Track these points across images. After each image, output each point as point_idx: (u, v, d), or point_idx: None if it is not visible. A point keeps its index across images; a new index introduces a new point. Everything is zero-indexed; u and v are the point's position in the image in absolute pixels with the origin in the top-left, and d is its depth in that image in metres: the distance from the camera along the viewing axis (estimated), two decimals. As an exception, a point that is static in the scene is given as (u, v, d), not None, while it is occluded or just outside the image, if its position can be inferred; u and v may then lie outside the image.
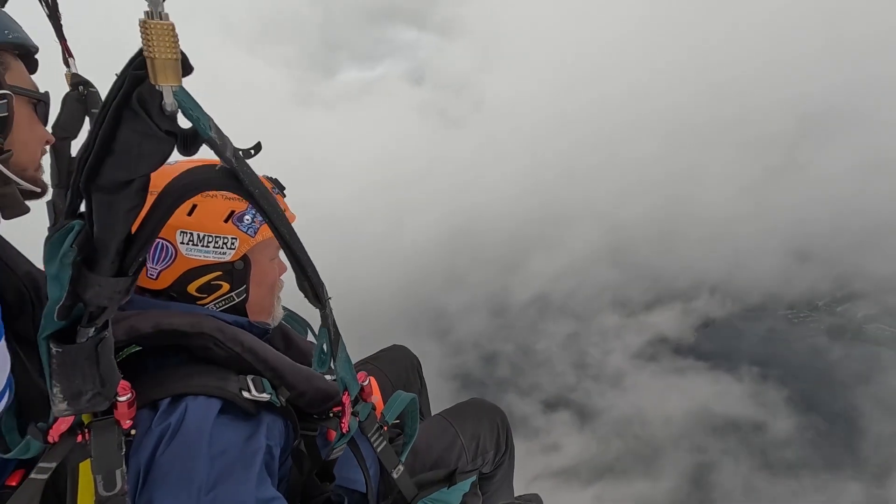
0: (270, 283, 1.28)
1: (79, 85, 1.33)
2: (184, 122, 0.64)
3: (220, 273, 1.18)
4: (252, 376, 1.08)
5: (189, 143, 0.66)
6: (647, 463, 9.72)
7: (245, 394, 1.04)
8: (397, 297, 12.24)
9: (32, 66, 1.12)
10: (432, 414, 2.04)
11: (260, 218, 1.17)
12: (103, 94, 0.96)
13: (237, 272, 1.19)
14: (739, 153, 13.55)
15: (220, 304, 1.20)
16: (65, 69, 1.32)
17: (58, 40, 1.25)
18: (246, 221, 1.18)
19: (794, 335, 11.07)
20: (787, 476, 8.88)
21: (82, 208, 0.70)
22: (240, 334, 1.11)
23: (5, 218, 1.05)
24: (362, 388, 1.22)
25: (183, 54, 0.60)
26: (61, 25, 1.26)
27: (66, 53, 1.31)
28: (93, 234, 0.70)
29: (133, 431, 0.94)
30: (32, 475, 0.87)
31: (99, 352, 0.79)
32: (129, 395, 0.89)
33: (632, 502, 9.36)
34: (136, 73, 0.59)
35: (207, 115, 0.67)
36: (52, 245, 0.69)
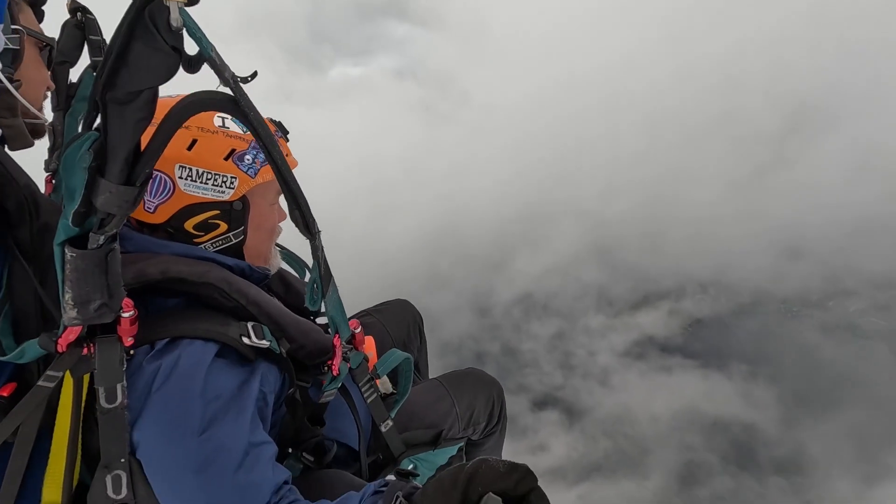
0: (269, 228, 1.30)
1: (77, 11, 1.34)
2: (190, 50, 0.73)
3: (218, 212, 1.19)
4: (252, 323, 1.10)
5: (192, 61, 0.76)
6: (635, 462, 9.51)
7: (245, 339, 1.07)
8: (380, 297, 12.05)
9: (40, 15, 1.25)
10: (430, 374, 2.10)
11: (261, 159, 1.19)
12: (102, 22, 1.20)
13: (235, 212, 1.20)
14: (727, 150, 13.37)
15: (217, 244, 1.22)
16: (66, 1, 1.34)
17: None
18: (247, 161, 1.19)
19: (784, 331, 10.88)
20: (777, 475, 8.68)
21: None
22: (245, 286, 1.14)
23: (11, 149, 1.10)
24: (354, 336, 1.22)
25: None
26: None
27: None
28: (106, 144, 0.76)
29: (132, 352, 0.97)
30: (41, 383, 0.92)
31: (108, 261, 0.85)
32: (132, 312, 0.94)
33: (620, 501, 9.15)
34: None
35: (209, 40, 0.73)
36: (70, 151, 0.76)
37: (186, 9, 0.71)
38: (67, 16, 1.34)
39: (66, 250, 0.85)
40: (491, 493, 0.77)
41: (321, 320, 1.50)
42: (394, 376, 1.54)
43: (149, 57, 0.73)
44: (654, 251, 12.43)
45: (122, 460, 0.96)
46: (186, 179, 1.15)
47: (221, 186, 1.18)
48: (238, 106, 0.85)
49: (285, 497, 1.04)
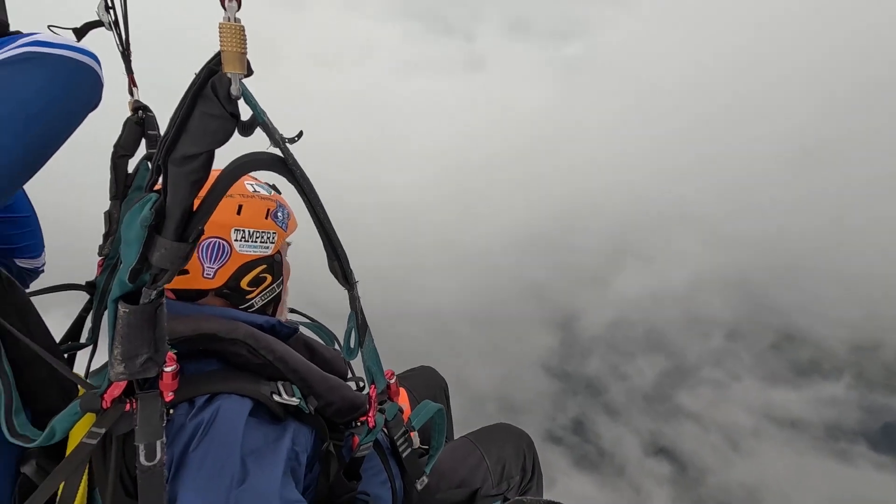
0: (288, 277, 1.45)
1: (138, 110, 1.45)
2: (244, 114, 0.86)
3: (265, 266, 1.35)
4: (283, 382, 1.18)
5: (247, 126, 0.87)
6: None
7: (276, 397, 1.14)
8: (458, 302, 10.60)
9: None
10: (453, 431, 2.17)
11: (286, 214, 1.39)
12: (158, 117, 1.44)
13: (276, 264, 1.37)
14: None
15: (266, 296, 1.37)
16: (128, 98, 1.46)
17: (126, 73, 1.43)
18: (279, 217, 1.37)
19: None
20: None
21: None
22: (272, 343, 1.22)
23: None
24: (389, 386, 1.30)
25: (247, 60, 0.80)
26: (131, 62, 1.42)
27: (132, 84, 1.46)
28: (165, 204, 0.87)
29: (171, 411, 1.04)
30: (85, 440, 0.98)
31: (157, 315, 0.94)
32: (174, 367, 1.02)
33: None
34: (212, 66, 0.80)
35: (262, 108, 0.85)
36: (133, 212, 0.86)
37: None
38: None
39: (120, 307, 0.91)
40: None
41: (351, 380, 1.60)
42: (425, 433, 1.56)
43: (208, 123, 0.82)
44: (797, 288, 9.88)
45: None
46: (241, 241, 1.29)
47: (266, 242, 1.34)
48: (286, 164, 0.93)
49: None
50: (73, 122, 1.00)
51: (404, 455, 1.34)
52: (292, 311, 1.81)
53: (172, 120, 0.83)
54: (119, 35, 1.36)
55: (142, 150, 1.51)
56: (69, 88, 0.96)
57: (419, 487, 1.38)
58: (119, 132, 1.45)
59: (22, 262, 1.47)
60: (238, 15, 0.75)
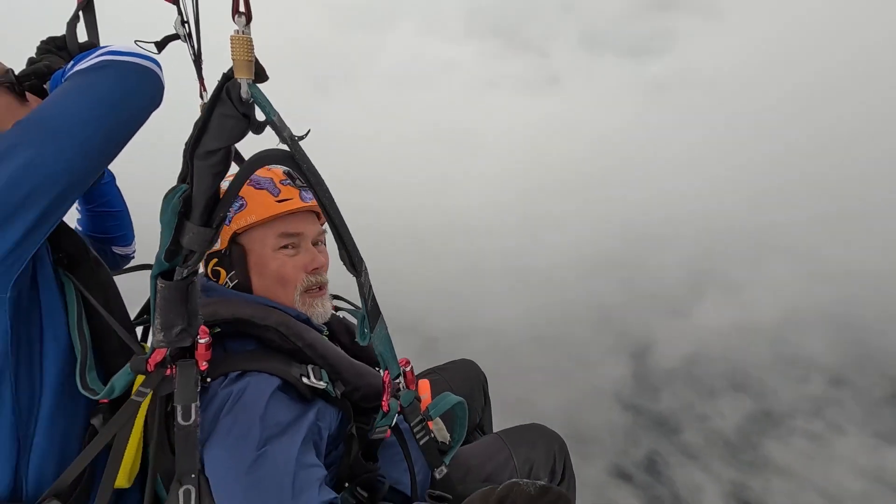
0: (274, 275, 1.45)
1: None
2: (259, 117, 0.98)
3: (216, 260, 1.49)
4: (312, 366, 1.31)
5: (259, 125, 0.99)
6: None
7: (304, 379, 1.26)
8: (523, 324, 10.40)
9: None
10: (493, 428, 2.15)
11: (235, 207, 1.45)
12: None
13: (226, 259, 1.47)
14: None
15: (228, 286, 1.48)
16: (200, 101, 1.71)
17: (197, 79, 1.69)
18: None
19: None
20: None
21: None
22: (303, 331, 1.36)
23: None
24: (405, 374, 1.37)
25: (261, 67, 0.92)
26: (202, 69, 1.66)
27: (202, 88, 1.72)
28: (192, 193, 1.00)
29: (208, 380, 1.20)
30: (133, 397, 1.13)
31: (189, 291, 1.09)
32: (207, 339, 1.16)
33: None
34: (227, 74, 0.94)
35: (273, 108, 0.93)
36: (167, 200, 1.01)
37: (258, 85, 0.94)
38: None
39: (158, 282, 1.06)
40: None
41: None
42: (450, 425, 1.60)
43: (225, 122, 0.96)
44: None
45: (193, 476, 1.10)
46: None
47: None
48: (293, 159, 1.00)
49: None
50: (141, 116, 1.17)
51: (421, 443, 1.38)
52: (337, 297, 1.87)
53: (198, 121, 0.97)
54: (192, 46, 1.58)
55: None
56: (136, 87, 1.14)
57: (438, 476, 1.41)
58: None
59: (117, 249, 1.72)
60: (252, 27, 0.88)
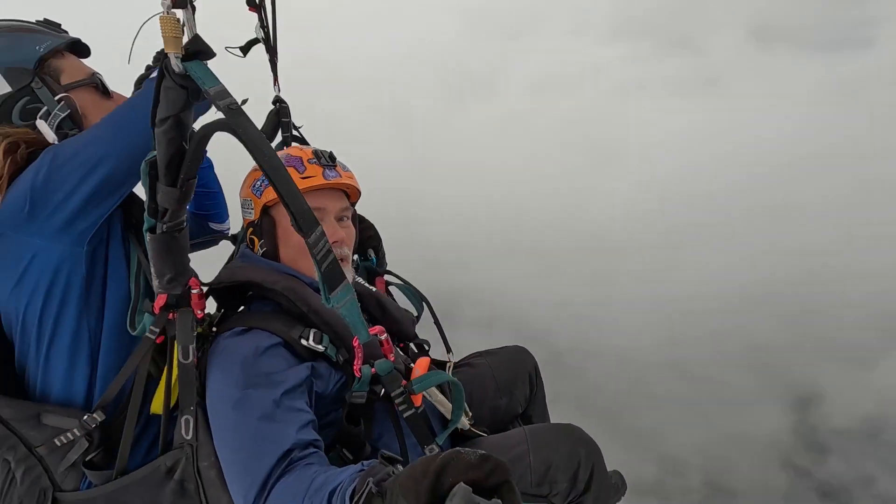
0: (296, 245, 1.53)
1: (276, 102, 1.98)
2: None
3: (252, 229, 1.60)
4: (315, 330, 1.38)
5: (195, 94, 1.09)
6: None
7: (303, 341, 1.36)
8: (659, 350, 9.62)
9: (83, 51, 1.58)
10: (550, 420, 2.11)
11: (267, 183, 1.53)
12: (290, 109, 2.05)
13: (258, 229, 1.57)
14: None
15: (261, 252, 1.58)
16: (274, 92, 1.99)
17: (272, 72, 1.96)
18: (256, 185, 1.57)
19: None
20: None
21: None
22: (310, 296, 1.42)
23: None
24: (381, 343, 1.36)
25: (203, 45, 1.06)
26: (276, 63, 1.93)
27: (275, 81, 1.98)
28: (157, 159, 1.14)
29: (214, 329, 1.42)
30: (147, 335, 1.30)
31: (170, 244, 1.23)
32: (198, 290, 1.29)
33: None
34: (161, 52, 1.12)
35: (215, 79, 1.06)
36: (142, 164, 1.16)
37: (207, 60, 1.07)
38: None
39: (147, 235, 1.21)
40: (462, 483, 0.79)
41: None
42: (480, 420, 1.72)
43: (168, 93, 1.08)
44: None
45: (192, 407, 1.27)
46: (242, 208, 1.63)
47: (249, 209, 1.59)
48: (229, 126, 1.07)
49: (305, 458, 1.18)
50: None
51: (405, 416, 1.38)
52: (387, 272, 1.96)
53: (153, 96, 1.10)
54: (268, 47, 1.85)
55: (279, 136, 2.00)
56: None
57: (427, 454, 1.41)
58: (262, 123, 1.95)
59: (213, 225, 1.95)
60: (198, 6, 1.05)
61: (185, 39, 1.04)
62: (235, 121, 1.05)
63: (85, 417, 1.32)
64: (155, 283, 1.27)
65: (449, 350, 1.90)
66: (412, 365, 1.45)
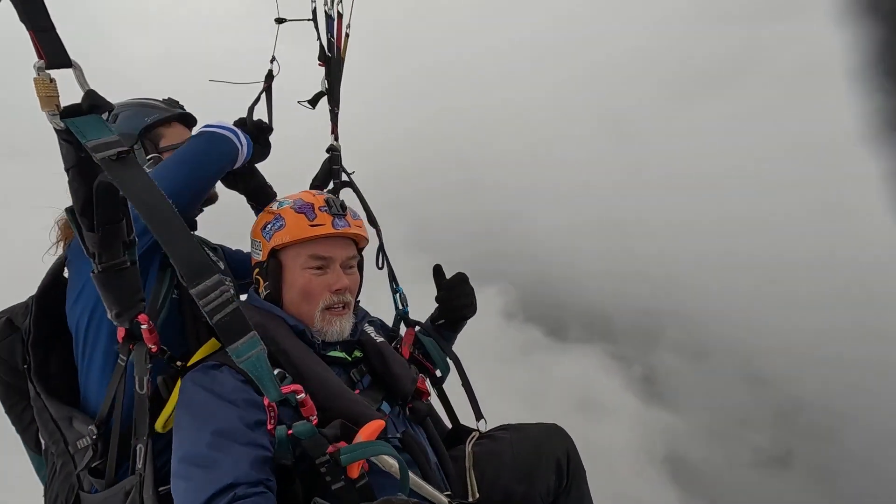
0: (300, 290, 1.56)
1: (330, 150, 2.17)
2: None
3: (258, 269, 1.62)
4: (279, 370, 1.34)
5: (78, 147, 1.10)
6: None
7: None
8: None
9: (189, 121, 1.94)
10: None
11: (277, 227, 1.58)
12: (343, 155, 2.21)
13: (264, 270, 1.59)
14: None
15: (265, 294, 1.61)
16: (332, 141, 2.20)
17: (331, 121, 2.20)
18: (266, 229, 1.59)
19: None
20: None
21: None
22: (280, 337, 1.45)
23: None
24: (300, 402, 1.27)
25: (98, 100, 1.11)
26: (337, 113, 2.19)
27: (333, 130, 2.19)
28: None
29: (178, 364, 1.45)
30: (118, 362, 1.44)
31: (109, 282, 1.26)
32: (146, 326, 1.32)
33: None
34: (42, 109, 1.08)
35: (101, 131, 1.09)
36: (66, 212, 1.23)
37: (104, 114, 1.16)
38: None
39: (91, 274, 1.26)
40: None
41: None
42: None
43: (61, 147, 1.12)
44: None
45: (144, 437, 1.34)
46: (252, 249, 1.64)
47: (258, 250, 1.61)
48: (109, 179, 1.11)
49: (250, 497, 1.15)
50: (223, 168, 1.68)
51: (333, 488, 1.21)
52: (417, 322, 1.93)
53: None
54: (330, 99, 2.14)
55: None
56: (217, 148, 1.65)
57: None
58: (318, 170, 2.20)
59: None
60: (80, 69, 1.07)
61: (60, 98, 1.06)
62: (112, 172, 1.08)
63: (90, 427, 1.44)
64: (108, 315, 1.31)
65: (479, 417, 1.80)
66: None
